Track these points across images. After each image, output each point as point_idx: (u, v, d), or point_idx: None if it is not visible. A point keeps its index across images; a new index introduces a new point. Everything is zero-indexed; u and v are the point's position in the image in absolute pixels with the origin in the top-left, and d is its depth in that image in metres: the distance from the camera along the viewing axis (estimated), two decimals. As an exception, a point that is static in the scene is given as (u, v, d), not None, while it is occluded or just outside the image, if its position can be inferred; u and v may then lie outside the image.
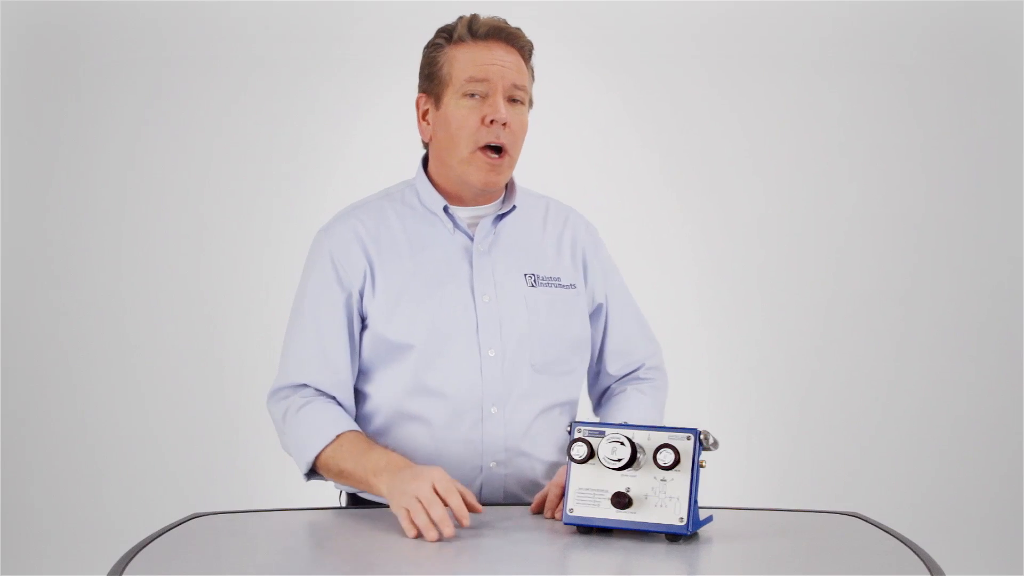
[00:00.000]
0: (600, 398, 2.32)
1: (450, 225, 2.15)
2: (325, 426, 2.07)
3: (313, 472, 2.11)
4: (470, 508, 1.88)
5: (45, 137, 3.96)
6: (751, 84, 4.03)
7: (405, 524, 1.85)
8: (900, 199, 4.05)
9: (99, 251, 3.97)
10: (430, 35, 2.16)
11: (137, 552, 1.76)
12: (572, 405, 2.23)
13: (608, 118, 4.02)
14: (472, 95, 2.08)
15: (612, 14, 3.98)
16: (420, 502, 1.84)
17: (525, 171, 2.27)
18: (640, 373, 2.30)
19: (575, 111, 3.97)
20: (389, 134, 3.95)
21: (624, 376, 2.30)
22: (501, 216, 2.18)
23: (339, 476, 2.06)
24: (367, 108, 3.96)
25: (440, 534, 1.82)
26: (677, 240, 4.04)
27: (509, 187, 2.21)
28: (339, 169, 3.94)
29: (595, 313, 2.26)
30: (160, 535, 1.87)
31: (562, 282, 2.19)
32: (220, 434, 3.97)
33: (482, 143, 2.08)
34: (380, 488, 1.96)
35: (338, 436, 2.06)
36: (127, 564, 1.70)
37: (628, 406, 2.22)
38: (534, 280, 2.16)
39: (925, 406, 4.04)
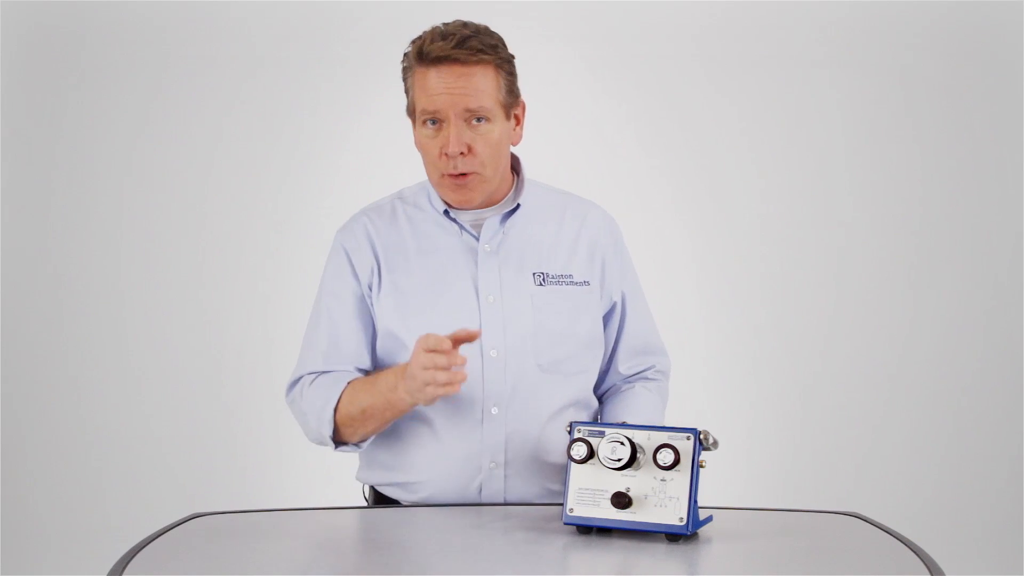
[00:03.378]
0: (603, 394, 2.31)
1: (456, 227, 2.16)
2: (335, 383, 2.10)
3: (339, 439, 2.12)
4: (468, 336, 1.96)
5: (45, 137, 3.96)
6: (750, 84, 4.03)
7: (441, 392, 1.91)
8: (900, 199, 4.05)
9: (99, 251, 3.97)
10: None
11: (137, 552, 1.76)
12: (586, 404, 2.21)
13: (607, 118, 4.02)
14: (432, 122, 2.07)
15: (611, 14, 3.98)
16: (431, 370, 1.90)
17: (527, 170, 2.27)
18: (648, 374, 2.30)
19: (574, 111, 3.97)
20: (389, 134, 3.94)
21: (632, 375, 2.29)
22: (508, 215, 2.18)
23: (363, 418, 2.08)
24: (368, 108, 3.96)
25: (463, 376, 1.91)
26: (677, 240, 4.04)
27: (516, 185, 2.21)
28: (339, 169, 3.94)
29: (611, 311, 2.25)
30: (160, 535, 1.87)
31: (574, 279, 2.18)
32: (220, 434, 3.97)
33: (444, 172, 2.09)
34: (404, 398, 1.99)
35: (348, 384, 2.09)
36: (127, 564, 1.70)
37: (637, 402, 2.21)
38: (543, 279, 2.16)
39: (925, 406, 4.04)
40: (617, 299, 2.25)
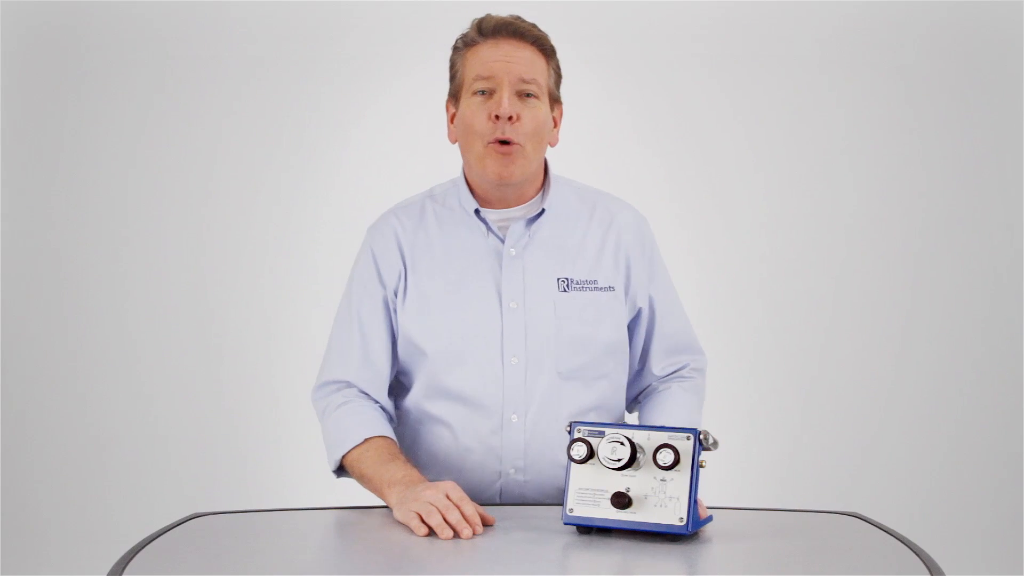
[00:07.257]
0: (638, 395, 2.29)
1: (484, 228, 2.15)
2: (356, 428, 2.10)
3: (342, 470, 2.13)
4: (483, 520, 1.88)
5: (45, 137, 3.96)
6: (750, 84, 4.02)
7: (415, 524, 1.85)
8: (901, 200, 4.04)
9: (100, 251, 3.97)
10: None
11: (137, 552, 1.76)
12: (608, 409, 2.19)
13: (607, 118, 4.01)
14: (481, 92, 2.09)
15: (612, 14, 3.97)
16: (434, 506, 1.85)
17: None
18: (684, 372, 2.28)
19: (573, 111, 3.96)
20: (390, 134, 3.96)
21: (667, 375, 2.27)
22: (533, 219, 2.17)
23: (361, 479, 2.09)
24: (368, 108, 3.96)
25: (455, 534, 1.83)
26: (678, 240, 4.02)
27: (544, 188, 2.20)
28: (340, 169, 3.94)
29: (639, 314, 2.23)
30: (160, 535, 1.87)
31: (599, 284, 2.16)
32: (220, 434, 3.97)
33: (490, 138, 2.08)
34: (390, 498, 1.97)
35: (366, 440, 2.08)
36: (127, 564, 1.70)
37: (675, 402, 2.20)
38: (567, 284, 2.14)
39: (925, 406, 4.04)
40: (644, 303, 2.22)
